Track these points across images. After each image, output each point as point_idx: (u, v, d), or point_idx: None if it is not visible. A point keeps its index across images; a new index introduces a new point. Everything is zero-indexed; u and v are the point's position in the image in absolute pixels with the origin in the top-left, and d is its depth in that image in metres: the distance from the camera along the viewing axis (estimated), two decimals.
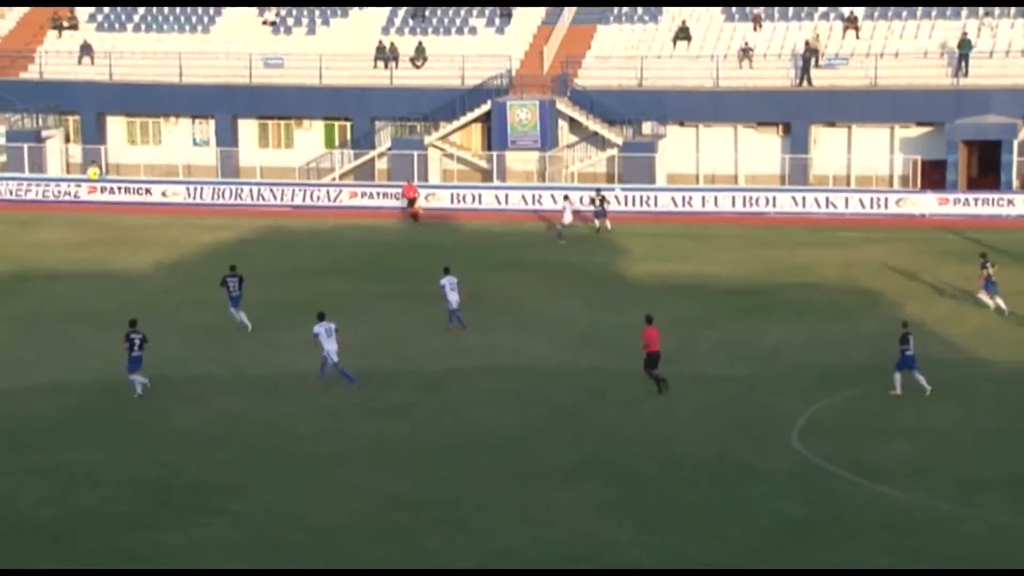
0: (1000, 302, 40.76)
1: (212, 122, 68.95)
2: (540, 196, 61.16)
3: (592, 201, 56.41)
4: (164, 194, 64.22)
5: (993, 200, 57.41)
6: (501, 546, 24.25)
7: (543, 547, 24.15)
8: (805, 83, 63.44)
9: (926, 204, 57.77)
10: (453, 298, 39.60)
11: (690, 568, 23.07)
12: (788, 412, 31.70)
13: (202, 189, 64.34)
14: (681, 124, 64.70)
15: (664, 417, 31.77)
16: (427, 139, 65.12)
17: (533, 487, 27.18)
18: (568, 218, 54.72)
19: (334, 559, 23.67)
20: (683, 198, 60.18)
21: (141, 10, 73.57)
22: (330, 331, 34.40)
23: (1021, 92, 60.43)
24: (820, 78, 63.34)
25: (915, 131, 62.55)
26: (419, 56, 67.95)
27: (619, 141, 63.33)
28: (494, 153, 64.53)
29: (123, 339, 33.42)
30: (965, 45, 61.77)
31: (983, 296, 40.93)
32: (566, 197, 56.39)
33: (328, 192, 63.28)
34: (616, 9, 68.87)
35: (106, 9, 73.86)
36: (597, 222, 55.56)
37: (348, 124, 68.01)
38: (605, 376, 35.14)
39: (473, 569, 23.10)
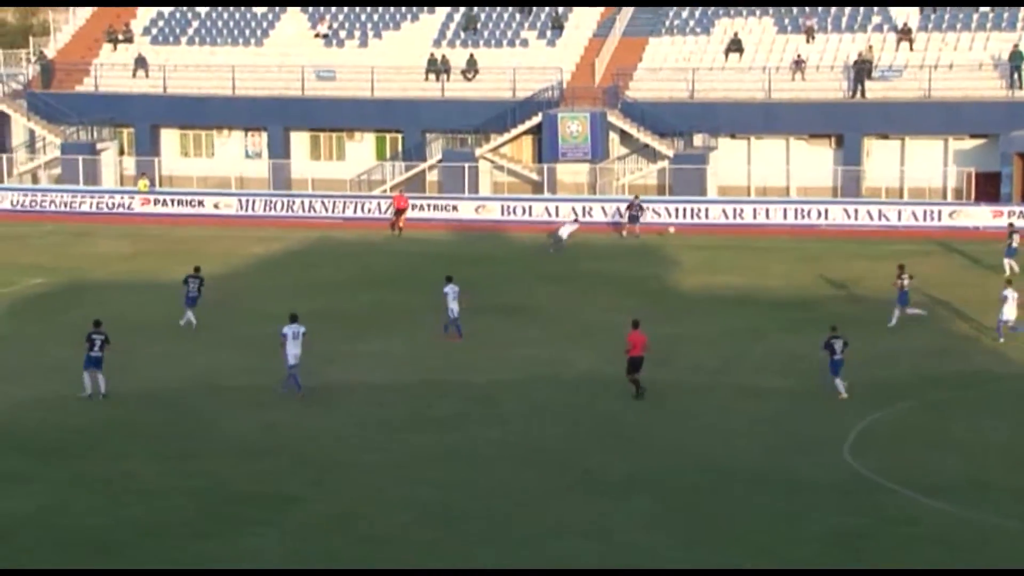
0: (911, 310, 40.78)
1: (264, 134, 69.34)
2: (591, 208, 61.03)
3: (630, 207, 56.84)
4: (216, 206, 64.58)
5: None
6: (549, 558, 24.15)
7: (591, 560, 24.04)
8: (858, 95, 63.04)
9: (980, 217, 57.24)
10: (454, 307, 39.90)
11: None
12: (839, 425, 31.44)
13: (254, 201, 64.66)
14: (733, 136, 64.45)
15: (714, 430, 31.59)
16: (478, 151, 65.19)
17: (581, 499, 27.08)
18: (566, 233, 54.57)
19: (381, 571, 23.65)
20: (735, 210, 59.92)
21: (195, 23, 74.13)
22: (297, 334, 34.28)
23: None
24: (873, 90, 62.93)
25: (969, 143, 62.03)
26: (470, 68, 68.06)
27: (670, 153, 63.14)
28: (545, 165, 64.50)
29: (85, 339, 33.99)
30: (1016, 57, 61.23)
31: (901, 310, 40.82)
32: (572, 210, 57.37)
33: (379, 204, 63.43)
34: (668, 21, 68.73)
35: (160, 23, 74.47)
36: (625, 232, 55.93)
37: (399, 136, 68.20)
38: (654, 388, 34.94)
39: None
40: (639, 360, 33.68)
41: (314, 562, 24.00)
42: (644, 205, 57.91)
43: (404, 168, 67.08)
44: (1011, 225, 49.46)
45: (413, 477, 28.56)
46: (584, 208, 61.04)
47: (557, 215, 61.00)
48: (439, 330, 40.39)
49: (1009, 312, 39.01)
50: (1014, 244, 47.71)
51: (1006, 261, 47.49)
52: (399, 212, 59.88)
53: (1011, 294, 39.24)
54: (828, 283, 47.35)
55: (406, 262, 53.09)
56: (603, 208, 60.75)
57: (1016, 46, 61.82)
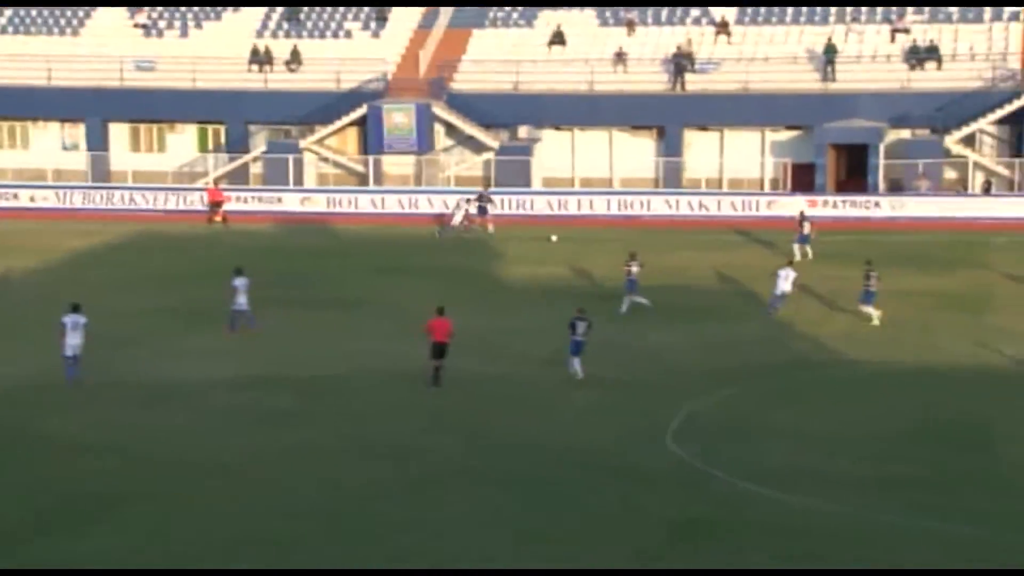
0: (637, 299, 42.65)
1: (82, 126, 67.84)
2: (417, 200, 61.17)
3: (479, 198, 57.01)
4: (32, 199, 63.10)
5: (860, 202, 58.67)
6: (388, 554, 24.25)
7: (429, 555, 24.20)
8: (678, 87, 64.29)
9: (796, 207, 58.81)
10: (242, 300, 39.76)
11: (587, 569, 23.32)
12: (667, 414, 32.11)
13: (72, 194, 63.32)
14: (556, 128, 65.19)
15: (546, 421, 32.01)
16: (302, 143, 64.79)
17: (418, 494, 27.22)
18: (457, 219, 55.24)
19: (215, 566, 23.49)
20: (559, 202, 60.63)
21: (8, 11, 72.16)
22: (76, 324, 33.93)
23: (886, 96, 61.90)
24: (693, 83, 64.24)
25: (785, 135, 63.74)
26: (294, 59, 67.57)
27: (495, 145, 63.61)
28: (370, 157, 64.41)
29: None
30: (830, 50, 63.12)
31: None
32: (468, 200, 57.11)
33: (202, 196, 62.63)
34: (492, 14, 69.17)
35: None
36: (471, 224, 56.15)
37: (222, 128, 67.40)
38: (485, 381, 35.30)
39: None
40: (442, 346, 34.15)
41: (150, 562, 23.69)
42: (493, 196, 57.92)
43: (227, 160, 66.36)
44: (802, 213, 51.67)
45: (249, 475, 28.36)
46: (411, 200, 61.16)
47: (383, 207, 61.00)
48: (227, 325, 40.06)
49: (784, 286, 41.34)
50: (805, 231, 50.31)
51: (796, 247, 49.66)
52: (215, 205, 59.21)
53: (785, 273, 41.58)
54: (652, 273, 48.19)
55: (232, 255, 52.37)
56: (429, 200, 60.92)
57: (830, 39, 63.75)
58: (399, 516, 26.07)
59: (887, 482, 27.67)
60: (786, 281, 41.60)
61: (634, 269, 42.54)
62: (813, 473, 28.27)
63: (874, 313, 40.74)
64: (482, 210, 57.09)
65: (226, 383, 35.26)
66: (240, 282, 40.00)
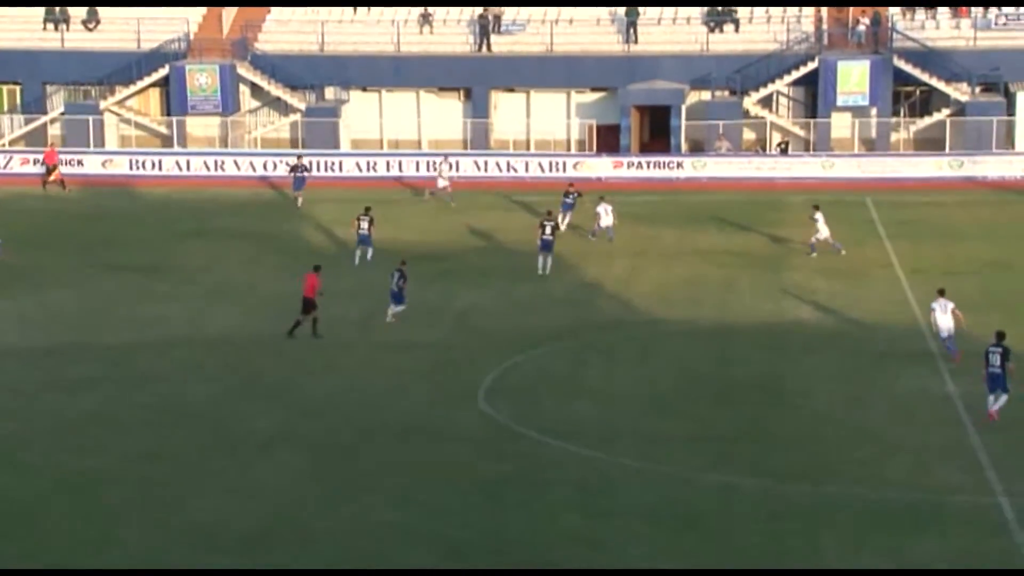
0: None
1: None
2: (223, 162, 60.32)
3: (294, 168, 55.00)
4: None
5: (664, 163, 59.76)
6: (197, 520, 24.10)
7: (239, 519, 24.12)
8: (484, 49, 64.51)
9: (602, 168, 59.70)
10: None
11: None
12: (478, 374, 32.43)
13: None
14: (364, 89, 64.87)
15: (357, 385, 32.04)
16: (103, 104, 63.27)
17: (227, 458, 27.07)
18: (442, 183, 53.93)
19: (20, 542, 23.05)
20: (368, 163, 60.42)
21: None
22: None
23: (687, 58, 63.04)
24: (499, 44, 64.51)
25: (590, 96, 64.48)
26: (91, 19, 65.84)
27: (302, 107, 63.04)
28: (174, 118, 63.24)
29: None
30: (632, 13, 63.98)
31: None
32: (445, 159, 55.59)
33: (36, 160, 60.69)
34: None
35: None
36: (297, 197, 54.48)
37: (17, 88, 65.42)
38: (297, 345, 35.16)
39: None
40: (310, 302, 35.32)
41: None
42: (308, 165, 56.15)
43: (24, 121, 64.44)
44: (571, 184, 50.73)
45: (48, 444, 27.84)
46: (216, 162, 60.31)
47: (188, 169, 60.06)
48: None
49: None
50: (569, 200, 48.82)
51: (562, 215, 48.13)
52: (52, 168, 57.43)
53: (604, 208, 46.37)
54: (462, 235, 48.51)
55: (28, 220, 51.14)
56: (235, 162, 60.12)
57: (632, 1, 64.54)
58: (208, 481, 25.89)
59: (688, 437, 28.42)
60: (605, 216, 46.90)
61: (364, 225, 43.67)
62: (619, 430, 28.89)
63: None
64: (300, 181, 54.86)
65: (25, 351, 34.43)
66: None
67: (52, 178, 57.20)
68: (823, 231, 44.65)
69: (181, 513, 24.39)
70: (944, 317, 33.42)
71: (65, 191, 56.51)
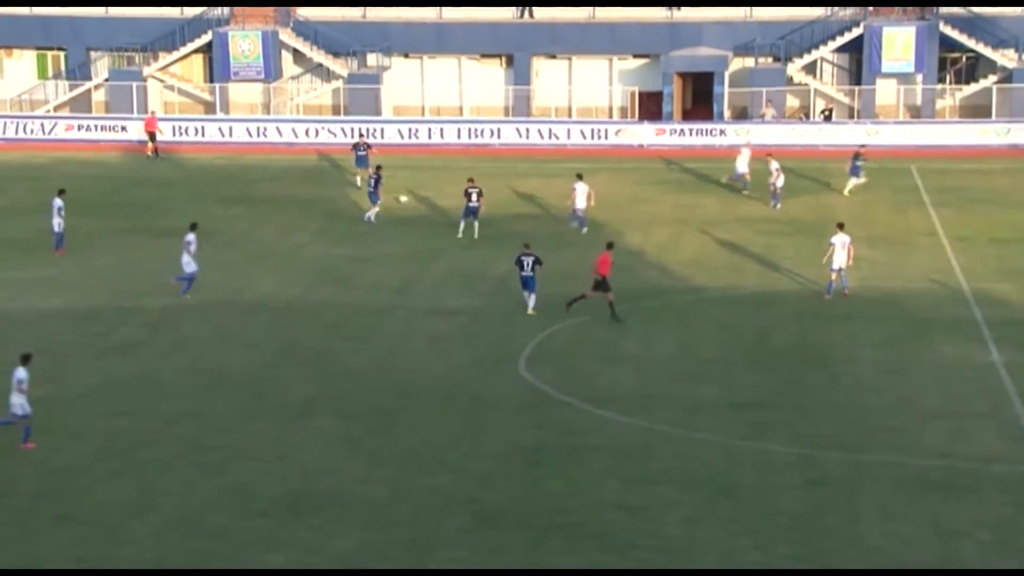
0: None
1: None
2: (265, 129, 60.42)
3: (355, 147, 53.83)
4: None
5: (706, 130, 59.43)
6: (235, 482, 24.24)
7: (276, 483, 24.25)
8: (527, 16, 64.25)
9: (644, 135, 59.42)
10: (58, 221, 40.09)
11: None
12: (516, 341, 32.43)
13: None
14: (406, 56, 64.79)
15: (396, 350, 32.09)
16: (146, 70, 63.46)
17: (266, 422, 27.20)
18: (743, 167, 49.42)
19: (63, 502, 23.26)
20: (409, 130, 60.37)
21: None
22: None
23: (731, 25, 62.61)
24: (541, 11, 64.23)
25: (633, 63, 64.16)
26: None
27: (344, 73, 63.03)
28: (216, 85, 63.38)
29: None
30: None
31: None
32: (747, 145, 51.77)
33: (43, 125, 61.13)
34: None
35: None
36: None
37: (62, 54, 65.71)
38: (337, 311, 35.25)
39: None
40: (600, 280, 34.01)
41: None
42: (370, 143, 53.11)
43: (68, 88, 64.74)
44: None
45: (91, 407, 28.06)
46: (259, 128, 60.43)
47: (231, 135, 60.20)
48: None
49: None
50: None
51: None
52: (151, 136, 57.58)
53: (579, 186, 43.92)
54: (502, 202, 48.40)
55: (75, 185, 51.34)
56: (277, 128, 60.25)
57: None
58: (254, 444, 26.03)
59: (727, 404, 28.33)
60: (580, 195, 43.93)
61: (473, 195, 42.60)
62: (659, 397, 28.83)
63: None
64: (361, 159, 52.99)
65: (69, 314, 34.68)
66: (56, 202, 40.17)
67: (152, 145, 57.22)
68: (779, 179, 46.51)
69: (220, 476, 24.53)
70: (841, 252, 35.47)
71: (154, 157, 56.53)
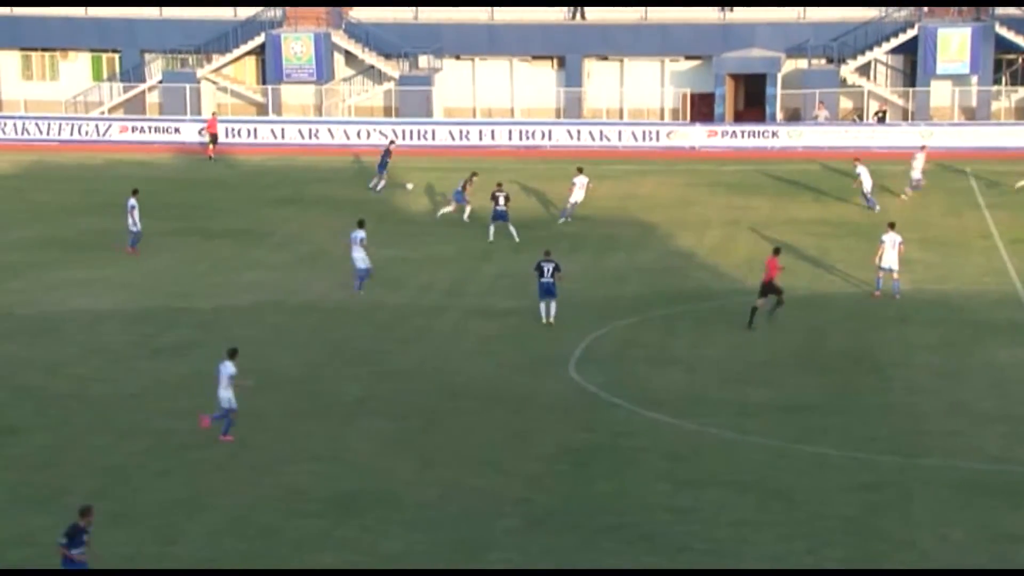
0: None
1: None
2: (317, 131, 60.66)
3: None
4: None
5: (758, 132, 59.13)
6: (285, 482, 24.31)
7: (327, 483, 24.30)
8: (578, 17, 64.18)
9: (696, 136, 59.19)
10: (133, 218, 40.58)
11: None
12: (567, 343, 32.35)
13: None
14: (457, 58, 64.85)
15: (445, 351, 32.09)
16: (199, 72, 63.85)
17: (316, 422, 27.27)
18: (917, 175, 48.30)
19: (115, 500, 23.40)
20: (460, 132, 60.41)
21: None
22: None
23: (783, 26, 62.26)
24: (593, 12, 64.12)
25: (684, 65, 63.93)
26: None
27: (395, 75, 63.17)
28: (269, 87, 63.68)
29: None
30: None
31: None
32: (923, 148, 50.13)
33: (97, 126, 61.62)
34: None
35: None
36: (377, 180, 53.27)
37: (116, 56, 66.22)
38: (387, 312, 35.31)
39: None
40: (768, 285, 33.63)
41: (43, 493, 23.53)
42: (391, 150, 52.28)
43: (122, 89, 65.23)
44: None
45: (143, 406, 28.22)
46: (311, 130, 60.68)
47: (283, 137, 60.44)
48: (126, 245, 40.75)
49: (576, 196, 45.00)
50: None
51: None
52: (214, 137, 57.97)
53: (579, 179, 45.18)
54: (555, 203, 48.33)
55: (128, 187, 51.68)
56: (329, 130, 60.47)
57: None
58: (306, 443, 26.11)
59: (779, 407, 28.16)
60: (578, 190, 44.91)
61: (501, 199, 42.53)
62: (709, 399, 28.70)
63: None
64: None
65: (122, 315, 34.92)
66: (132, 202, 40.64)
67: (213, 147, 57.53)
68: (867, 182, 46.08)
69: (270, 475, 24.61)
70: (891, 252, 35.65)
71: (217, 159, 56.95)
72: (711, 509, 23.21)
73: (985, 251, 41.08)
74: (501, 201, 42.61)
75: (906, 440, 26.22)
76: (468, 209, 45.24)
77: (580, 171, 45.70)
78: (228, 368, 26.17)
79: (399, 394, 28.99)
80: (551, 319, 33.71)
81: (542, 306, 33.83)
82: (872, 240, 41.56)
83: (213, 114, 60.50)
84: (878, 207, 45.79)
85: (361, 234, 36.75)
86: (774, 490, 23.94)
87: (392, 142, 53.60)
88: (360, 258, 36.62)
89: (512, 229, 42.31)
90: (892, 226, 36.46)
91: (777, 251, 34.70)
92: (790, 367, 30.74)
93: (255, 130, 61.11)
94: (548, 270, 33.67)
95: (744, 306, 35.65)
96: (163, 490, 24.01)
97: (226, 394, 26.16)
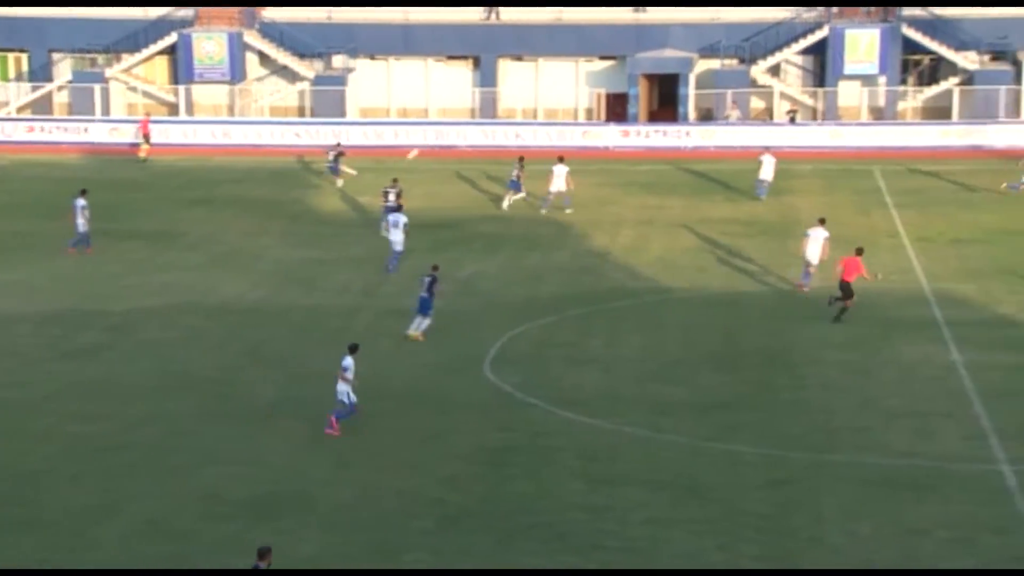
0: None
1: None
2: (229, 131, 60.26)
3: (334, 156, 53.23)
4: None
5: (672, 132, 59.60)
6: (201, 485, 24.18)
7: (243, 486, 24.20)
8: (493, 17, 64.31)
9: (610, 136, 59.56)
10: (81, 221, 40.24)
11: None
12: (484, 343, 32.43)
13: None
14: (372, 58, 64.74)
15: (363, 352, 31.90)
16: (109, 72, 63.19)
17: (232, 426, 27.13)
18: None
19: (26, 506, 23.15)
20: (375, 132, 60.31)
21: None
22: None
23: (697, 27, 62.81)
24: (507, 12, 64.29)
25: (599, 65, 64.30)
26: None
27: (310, 75, 62.93)
28: (181, 86, 63.17)
29: None
30: None
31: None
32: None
33: (3, 127, 60.82)
34: None
35: None
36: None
37: (24, 56, 65.36)
38: (302, 313, 35.19)
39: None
40: (842, 284, 33.86)
41: None
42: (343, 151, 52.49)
43: (30, 89, 64.42)
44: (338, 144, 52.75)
45: (55, 410, 27.92)
46: (223, 131, 60.32)
47: (195, 137, 60.04)
48: (66, 245, 40.28)
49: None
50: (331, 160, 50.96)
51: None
52: (147, 138, 57.23)
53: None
54: (469, 203, 48.43)
55: (37, 188, 51.19)
56: (243, 131, 60.08)
57: None
58: (220, 447, 25.97)
59: (693, 406, 28.43)
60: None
61: (391, 195, 41.99)
62: (625, 398, 28.90)
63: None
64: (333, 169, 51.91)
65: (33, 317, 34.51)
66: (79, 203, 40.44)
67: (146, 148, 56.80)
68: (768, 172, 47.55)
69: (186, 479, 24.46)
70: (814, 246, 35.97)
71: (142, 160, 56.26)
72: (625, 507, 23.40)
73: (892, 249, 41.72)
74: (391, 197, 42.03)
75: (817, 437, 26.60)
76: (524, 194, 46.85)
77: (560, 160, 46.75)
78: (345, 361, 26.56)
79: (316, 395, 28.87)
80: (416, 332, 32.54)
81: (417, 317, 32.71)
82: (784, 238, 42.16)
83: (146, 115, 59.91)
84: (764, 198, 47.31)
85: (403, 218, 38.39)
86: (688, 488, 24.19)
87: (339, 144, 53.26)
88: (398, 241, 38.04)
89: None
90: (822, 222, 37.00)
91: (860, 251, 34.78)
92: (705, 365, 31.05)
93: (167, 130, 60.55)
94: (425, 283, 32.60)
95: (660, 305, 35.98)
96: (76, 496, 23.78)
97: (343, 387, 26.56)
